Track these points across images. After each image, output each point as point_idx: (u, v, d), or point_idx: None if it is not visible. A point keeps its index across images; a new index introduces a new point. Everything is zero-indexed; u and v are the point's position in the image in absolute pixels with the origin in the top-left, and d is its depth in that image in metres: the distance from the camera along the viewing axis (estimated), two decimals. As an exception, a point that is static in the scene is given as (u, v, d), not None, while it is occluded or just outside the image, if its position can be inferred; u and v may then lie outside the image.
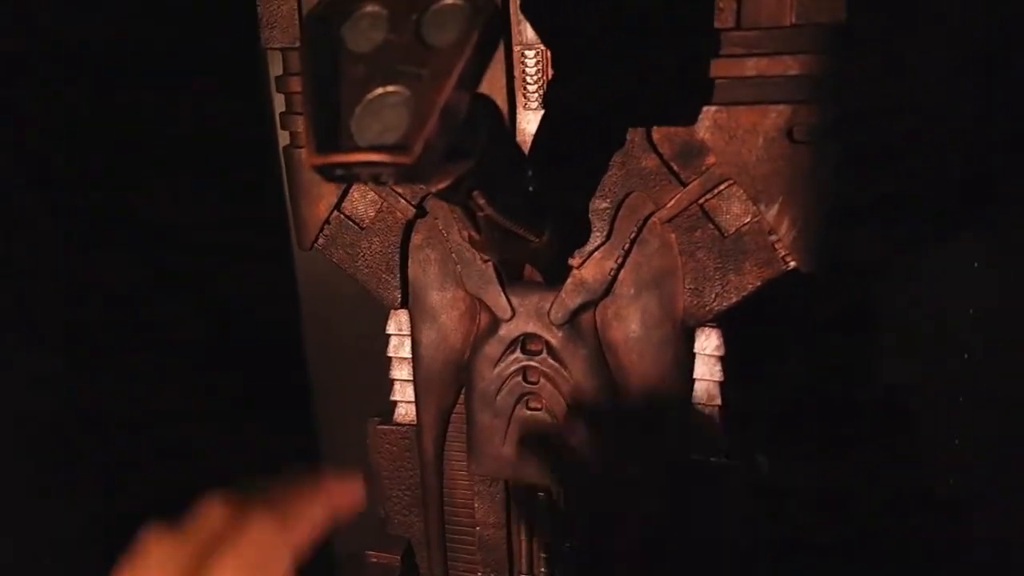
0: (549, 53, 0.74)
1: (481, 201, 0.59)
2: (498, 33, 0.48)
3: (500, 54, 0.74)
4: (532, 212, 0.66)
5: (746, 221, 0.71)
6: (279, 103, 0.88)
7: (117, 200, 1.04)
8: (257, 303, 1.24)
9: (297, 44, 0.80)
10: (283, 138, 0.87)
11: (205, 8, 1.11)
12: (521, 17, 0.73)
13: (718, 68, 0.68)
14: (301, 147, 0.84)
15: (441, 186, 0.52)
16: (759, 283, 0.72)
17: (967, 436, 1.05)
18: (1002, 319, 1.01)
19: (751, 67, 0.66)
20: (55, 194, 0.97)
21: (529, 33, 0.74)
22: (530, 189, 0.65)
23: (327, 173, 0.47)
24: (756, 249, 0.71)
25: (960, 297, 1.03)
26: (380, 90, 0.47)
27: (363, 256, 0.85)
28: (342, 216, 0.85)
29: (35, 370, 0.95)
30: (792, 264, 0.70)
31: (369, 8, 0.49)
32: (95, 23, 1.00)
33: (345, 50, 0.49)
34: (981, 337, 1.03)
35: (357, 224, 0.85)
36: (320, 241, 0.87)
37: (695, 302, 0.75)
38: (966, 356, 1.05)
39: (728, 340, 0.77)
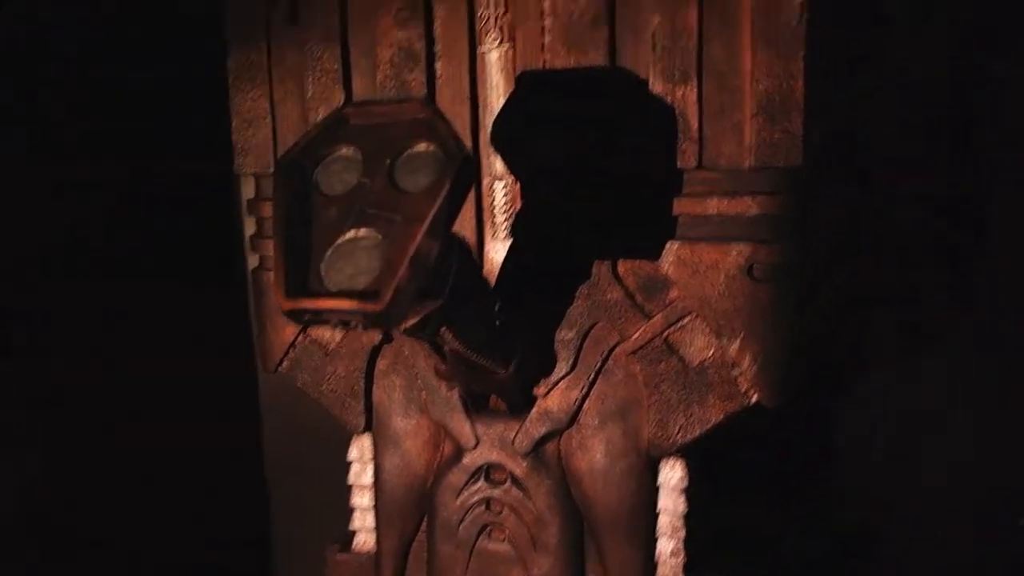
0: (518, 185, 0.75)
1: (448, 336, 0.59)
2: (469, 181, 0.49)
3: (469, 184, 0.76)
4: (499, 345, 0.67)
5: (709, 354, 0.71)
6: (249, 225, 0.89)
7: (79, 312, 1.03)
8: (219, 423, 1.22)
9: (270, 171, 0.82)
10: (252, 260, 0.88)
11: (179, 134, 1.13)
12: (491, 150, 0.76)
13: (681, 205, 0.70)
14: (270, 270, 0.84)
15: (408, 325, 0.52)
16: (722, 416, 0.72)
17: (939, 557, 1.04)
18: (971, 446, 1.02)
19: (712, 206, 0.69)
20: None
21: (499, 165, 0.76)
22: (497, 323, 0.65)
23: (297, 317, 0.48)
24: (719, 382, 0.72)
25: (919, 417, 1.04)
26: (352, 233, 0.47)
27: (328, 380, 0.85)
28: (308, 340, 0.85)
29: None
30: (755, 398, 0.71)
31: (343, 151, 0.51)
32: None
33: (318, 192, 0.50)
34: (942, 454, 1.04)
35: (323, 348, 0.84)
36: (285, 364, 0.86)
37: (659, 434, 0.74)
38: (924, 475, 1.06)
39: (692, 471, 0.76)
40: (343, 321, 0.47)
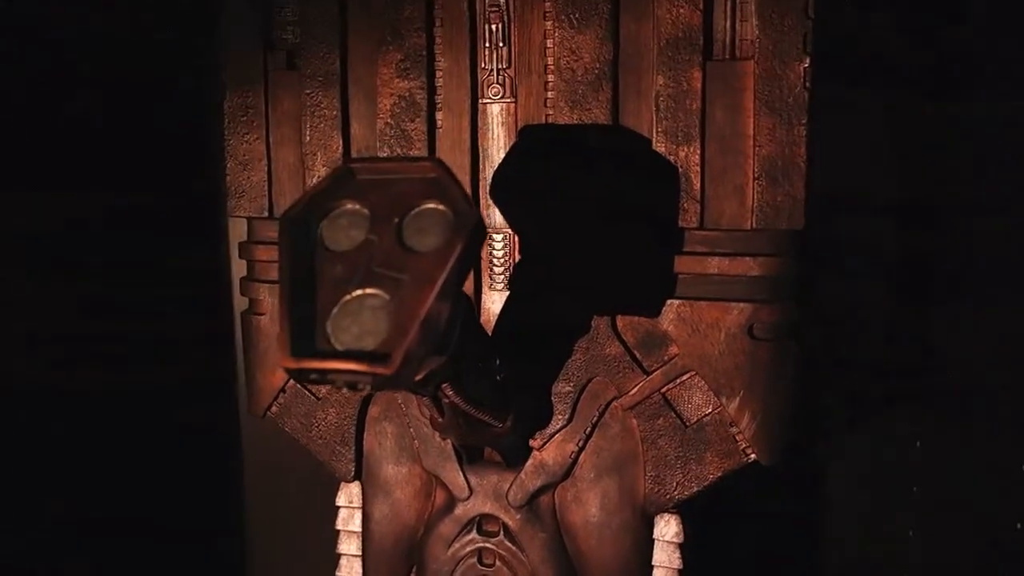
0: (516, 237, 0.75)
1: (449, 392, 0.59)
2: (480, 243, 0.49)
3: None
4: (498, 399, 0.66)
5: (707, 412, 0.72)
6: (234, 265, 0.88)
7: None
8: (198, 468, 1.20)
9: (264, 214, 0.82)
10: (241, 302, 0.86)
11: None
12: (490, 201, 0.76)
13: (682, 264, 0.70)
14: (260, 314, 0.83)
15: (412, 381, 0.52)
16: (720, 474, 0.72)
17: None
18: (943, 496, 1.04)
19: (713, 265, 0.69)
20: None
21: (497, 217, 0.76)
22: (497, 378, 0.65)
23: (301, 376, 0.46)
24: (717, 440, 0.72)
25: (904, 476, 1.06)
26: (359, 291, 0.46)
27: (317, 427, 0.84)
28: (299, 385, 0.83)
29: None
30: (752, 457, 0.71)
31: (349, 206, 0.50)
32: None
33: (323, 248, 0.49)
34: (925, 514, 1.05)
35: (313, 394, 0.83)
36: (273, 409, 0.85)
37: (656, 490, 0.74)
38: (911, 533, 1.07)
39: (687, 527, 0.76)
40: (350, 383, 0.46)
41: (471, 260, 0.49)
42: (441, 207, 0.48)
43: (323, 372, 0.45)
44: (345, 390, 0.58)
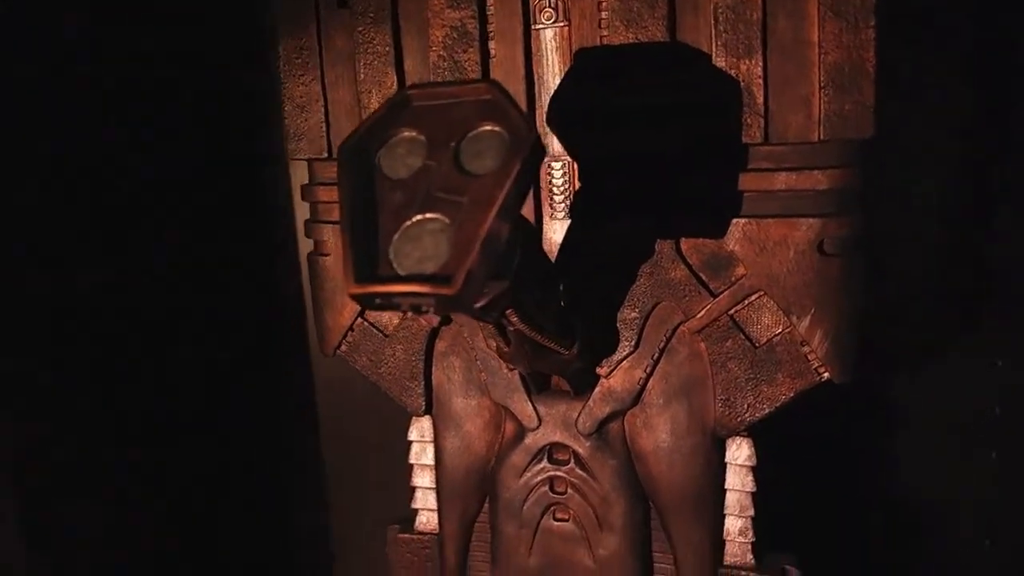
0: (575, 164, 0.74)
1: (514, 318, 0.59)
2: (538, 163, 0.48)
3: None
4: (562, 326, 0.66)
5: (777, 332, 0.71)
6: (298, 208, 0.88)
7: (129, 306, 1.05)
8: (274, 408, 1.23)
9: (324, 155, 0.82)
10: (307, 245, 0.88)
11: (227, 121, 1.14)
12: (548, 130, 0.75)
13: (747, 182, 0.68)
14: (325, 255, 0.84)
15: (476, 307, 0.52)
16: (792, 394, 0.71)
17: (996, 537, 1.04)
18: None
19: (780, 181, 0.67)
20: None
21: (556, 145, 0.75)
22: (561, 303, 0.65)
23: (366, 302, 0.47)
24: (788, 360, 0.71)
25: (986, 396, 1.03)
26: (418, 216, 0.46)
27: (386, 363, 0.85)
28: (366, 323, 0.85)
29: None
30: (825, 375, 0.70)
31: (406, 133, 0.50)
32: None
33: (382, 176, 0.49)
34: (1007, 435, 1.03)
35: (381, 331, 0.84)
36: (343, 347, 0.86)
37: (727, 412, 0.74)
38: (993, 455, 1.05)
39: (760, 450, 0.76)
40: (414, 305, 0.47)
41: (530, 180, 0.48)
42: (497, 128, 0.48)
43: (387, 296, 0.46)
44: (410, 313, 0.58)
